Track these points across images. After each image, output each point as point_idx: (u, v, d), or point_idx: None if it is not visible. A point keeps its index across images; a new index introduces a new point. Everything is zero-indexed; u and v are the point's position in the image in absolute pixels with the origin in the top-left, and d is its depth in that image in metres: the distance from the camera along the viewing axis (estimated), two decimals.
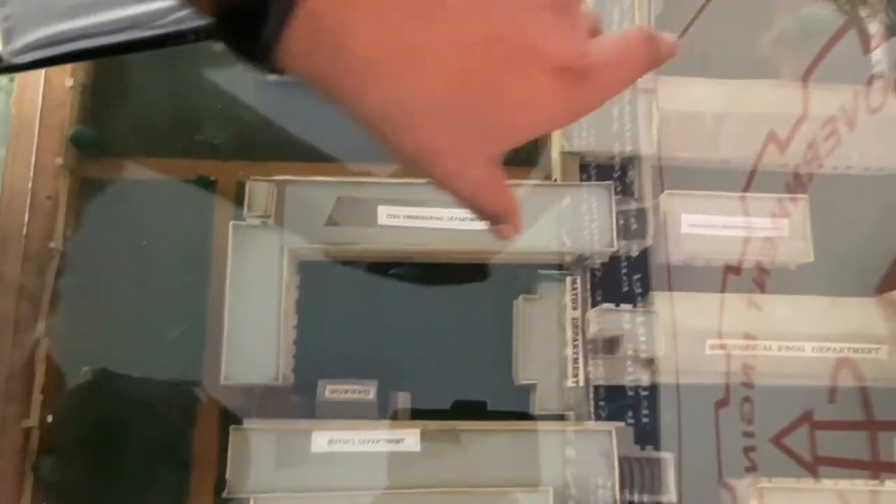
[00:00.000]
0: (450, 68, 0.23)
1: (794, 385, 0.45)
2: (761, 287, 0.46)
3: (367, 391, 0.43)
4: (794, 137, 0.47)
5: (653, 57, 0.30)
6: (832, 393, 0.45)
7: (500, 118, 0.24)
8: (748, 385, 0.45)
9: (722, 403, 0.45)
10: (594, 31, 0.28)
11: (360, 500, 0.38)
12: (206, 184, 0.47)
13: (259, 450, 0.38)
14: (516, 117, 0.25)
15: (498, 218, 0.30)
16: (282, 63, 0.21)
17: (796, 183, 0.48)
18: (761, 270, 0.46)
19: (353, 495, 0.38)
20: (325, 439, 0.38)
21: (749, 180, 0.48)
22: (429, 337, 0.46)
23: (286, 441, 0.38)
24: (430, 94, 0.23)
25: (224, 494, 0.38)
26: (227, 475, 0.38)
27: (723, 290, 0.46)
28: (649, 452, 0.42)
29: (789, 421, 0.45)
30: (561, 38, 0.25)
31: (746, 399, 0.45)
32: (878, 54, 0.52)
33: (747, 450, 0.45)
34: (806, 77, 0.49)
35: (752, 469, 0.44)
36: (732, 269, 0.47)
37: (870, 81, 0.51)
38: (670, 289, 0.46)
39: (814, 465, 0.45)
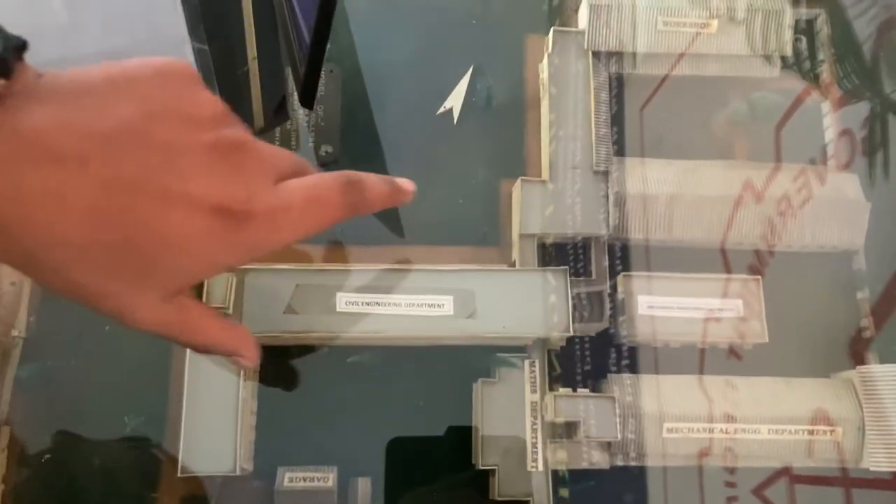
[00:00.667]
0: (75, 212, 0.23)
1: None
2: (720, 369, 0.46)
3: (326, 478, 0.43)
4: (745, 216, 0.48)
5: (352, 203, 0.31)
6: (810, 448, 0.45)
7: (148, 259, 0.25)
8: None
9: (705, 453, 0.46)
10: (287, 174, 0.29)
11: None
12: None
13: None
14: (167, 258, 0.25)
15: (218, 352, 0.31)
16: None
17: (751, 263, 0.49)
18: (719, 352, 0.47)
19: None
20: None
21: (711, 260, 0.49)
22: (389, 421, 0.46)
23: None
24: (61, 237, 0.23)
25: None
26: None
27: (683, 372, 0.47)
28: None
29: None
30: (215, 181, 0.25)
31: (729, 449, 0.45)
32: (829, 122, 0.53)
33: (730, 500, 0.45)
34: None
35: None
36: (691, 351, 0.48)
37: (823, 154, 0.53)
38: (630, 370, 0.46)
39: None
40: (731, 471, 0.45)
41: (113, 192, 0.23)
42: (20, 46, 0.23)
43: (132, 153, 0.24)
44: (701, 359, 0.47)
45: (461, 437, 0.45)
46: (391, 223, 0.50)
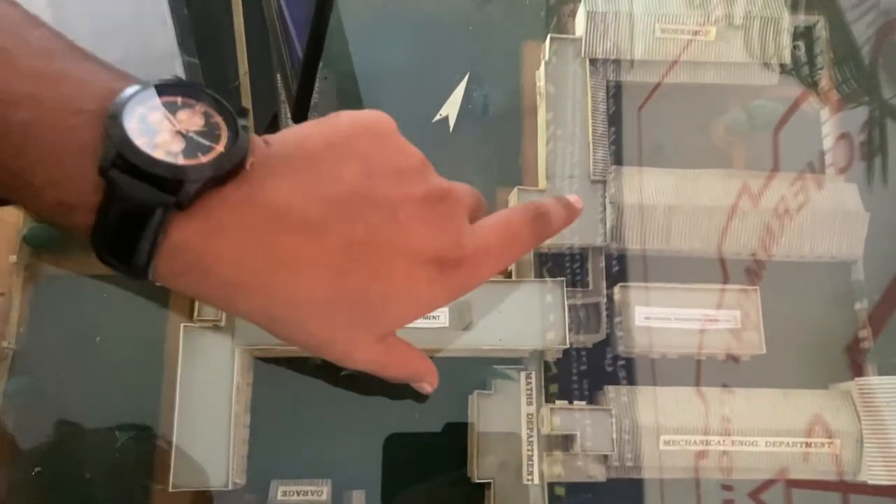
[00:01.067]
0: (321, 273, 0.25)
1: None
2: (718, 380, 0.46)
3: (320, 491, 0.43)
4: (742, 226, 0.48)
5: (539, 234, 0.33)
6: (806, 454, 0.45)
7: (377, 308, 0.27)
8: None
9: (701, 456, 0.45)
10: (476, 214, 0.30)
11: None
12: None
13: None
14: (393, 306, 0.27)
15: (411, 381, 0.33)
16: (155, 279, 0.23)
17: (749, 273, 0.49)
18: (716, 363, 0.47)
19: None
20: None
21: (714, 269, 0.48)
22: (383, 434, 0.45)
23: None
24: (306, 296, 0.25)
25: None
26: None
27: (680, 383, 0.46)
28: None
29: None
30: (431, 233, 0.27)
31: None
32: (828, 129, 0.53)
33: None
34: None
35: None
36: (689, 362, 0.47)
37: (822, 160, 0.53)
38: (627, 382, 0.46)
39: None
40: (728, 472, 0.45)
41: (350, 251, 0.25)
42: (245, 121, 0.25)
43: (362, 213, 0.26)
44: (698, 370, 0.46)
45: (457, 450, 0.45)
46: None
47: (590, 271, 0.47)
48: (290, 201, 0.24)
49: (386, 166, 0.27)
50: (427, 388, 0.34)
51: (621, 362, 0.47)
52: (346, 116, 0.27)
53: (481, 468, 0.43)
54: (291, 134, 0.26)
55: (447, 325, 0.44)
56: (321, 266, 0.25)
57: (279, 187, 0.24)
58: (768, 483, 0.45)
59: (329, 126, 0.27)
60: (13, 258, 0.46)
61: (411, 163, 0.28)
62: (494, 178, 0.50)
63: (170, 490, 0.40)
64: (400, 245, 0.26)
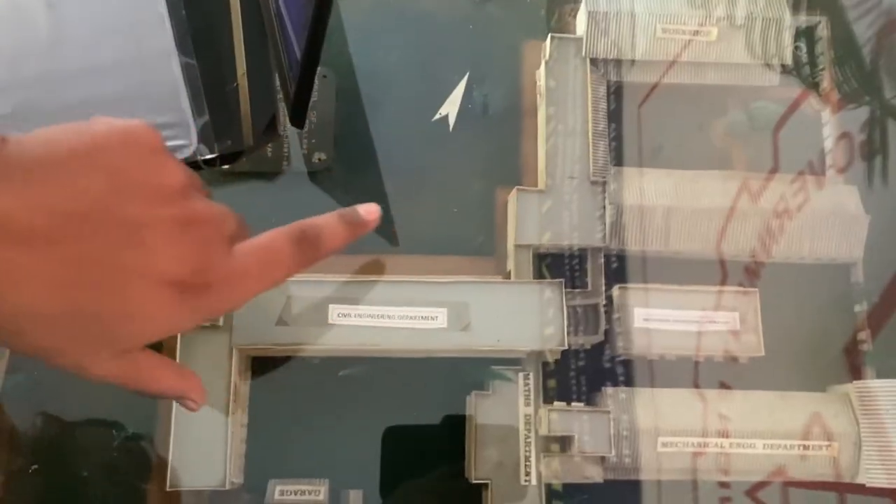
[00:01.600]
0: (42, 287, 0.24)
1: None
2: (716, 381, 0.46)
3: (317, 491, 0.43)
4: (742, 227, 0.48)
5: (306, 255, 0.33)
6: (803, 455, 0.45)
7: (109, 326, 0.26)
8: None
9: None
10: (238, 237, 0.30)
11: None
12: None
13: None
14: (128, 325, 0.27)
15: (170, 397, 0.34)
16: None
17: (747, 274, 0.49)
18: (715, 364, 0.47)
19: None
20: None
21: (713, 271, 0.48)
22: (381, 434, 0.45)
23: None
24: (26, 309, 0.25)
25: None
26: None
27: (678, 385, 0.46)
28: None
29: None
30: (177, 256, 0.27)
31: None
32: (829, 130, 0.53)
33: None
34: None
35: None
36: (687, 364, 0.47)
37: (822, 161, 0.52)
38: (625, 383, 0.46)
39: None
40: (726, 473, 0.45)
41: (78, 268, 0.25)
42: None
43: (98, 231, 0.25)
44: (696, 372, 0.46)
45: (454, 450, 0.45)
46: (384, 232, 0.49)
47: (589, 272, 0.47)
48: (10, 210, 0.23)
49: (138, 185, 0.26)
50: (192, 405, 0.34)
51: (619, 363, 0.47)
52: (103, 125, 0.26)
53: (479, 468, 0.43)
54: (39, 136, 0.25)
55: (445, 325, 0.44)
56: (42, 280, 0.24)
57: (2, 193, 0.23)
58: (765, 482, 0.45)
59: (79, 133, 0.26)
60: None
61: (169, 182, 0.27)
62: (494, 177, 0.50)
63: (167, 489, 0.40)
64: (139, 266, 0.26)
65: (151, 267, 0.26)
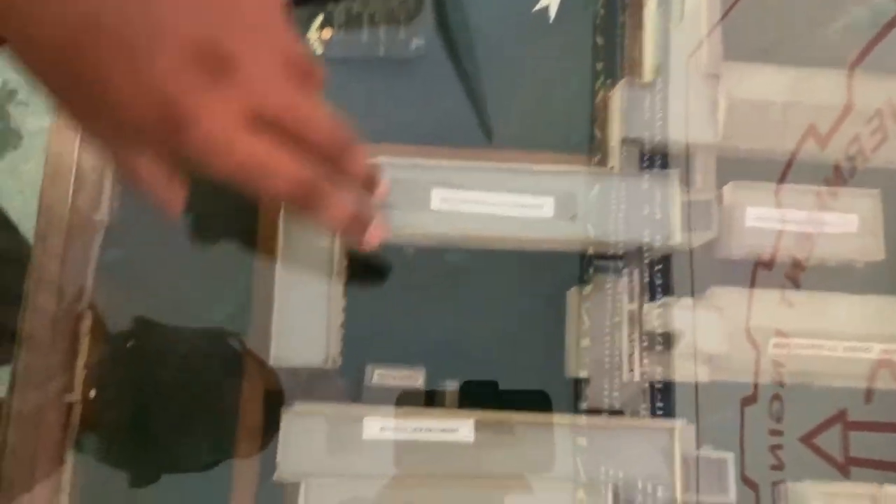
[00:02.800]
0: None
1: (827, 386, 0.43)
2: (830, 285, 0.44)
3: (415, 377, 0.42)
4: (861, 128, 0.45)
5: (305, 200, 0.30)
6: (868, 394, 0.43)
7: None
8: (786, 384, 0.43)
9: (750, 400, 0.44)
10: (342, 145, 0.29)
11: (410, 488, 0.37)
12: None
13: (310, 433, 0.37)
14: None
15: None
16: None
17: (866, 176, 0.46)
18: (829, 267, 0.45)
19: (405, 482, 0.37)
20: (377, 426, 0.37)
21: (835, 175, 0.46)
22: (479, 325, 0.44)
23: (338, 426, 0.37)
24: None
25: (274, 478, 0.37)
26: (278, 458, 0.37)
27: (780, 287, 0.44)
28: (708, 451, 0.41)
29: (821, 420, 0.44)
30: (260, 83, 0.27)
31: (776, 396, 0.44)
32: None
33: (774, 448, 0.44)
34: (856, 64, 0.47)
35: (778, 467, 0.43)
36: (788, 269, 0.45)
37: None
38: (728, 285, 0.44)
39: (845, 466, 0.43)
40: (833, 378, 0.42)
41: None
42: None
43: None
44: (809, 274, 0.44)
45: (553, 346, 0.43)
46: (480, 125, 0.47)
47: (700, 168, 0.45)
48: None
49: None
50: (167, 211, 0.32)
51: (728, 263, 0.45)
52: None
53: (579, 364, 0.42)
54: None
55: (552, 215, 0.42)
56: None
57: None
58: (823, 426, 0.44)
59: None
60: None
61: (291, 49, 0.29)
62: (595, 71, 0.48)
63: (270, 364, 0.39)
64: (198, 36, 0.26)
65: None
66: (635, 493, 0.37)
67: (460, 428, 0.38)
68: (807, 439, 0.44)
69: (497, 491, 0.37)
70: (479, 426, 0.38)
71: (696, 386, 0.43)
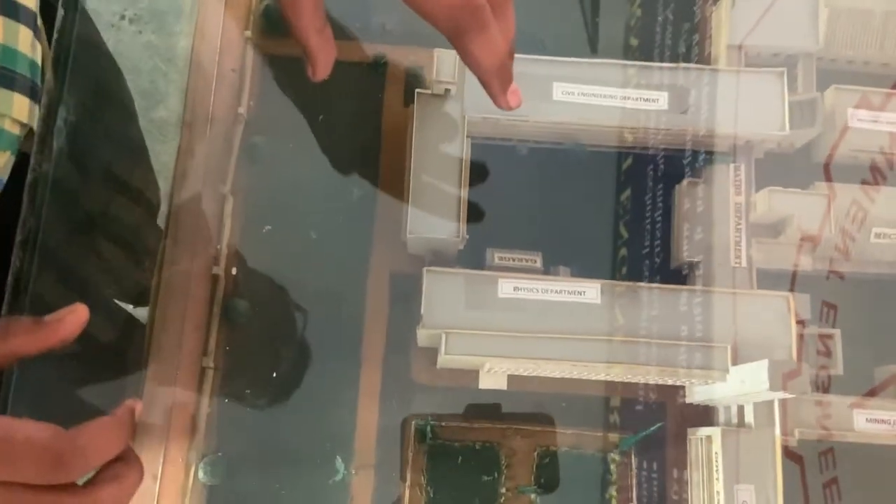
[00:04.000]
0: None
1: None
2: None
3: (534, 260, 0.45)
4: None
5: None
6: None
7: None
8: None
9: None
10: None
11: (541, 343, 0.40)
12: (378, 65, 0.49)
13: (451, 291, 0.40)
14: None
15: (304, 46, 0.34)
16: None
17: None
18: None
19: (536, 338, 0.40)
20: (511, 286, 0.40)
21: None
22: (590, 217, 0.47)
23: (475, 285, 0.40)
24: None
25: (418, 328, 0.40)
26: (422, 311, 0.40)
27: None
28: (815, 328, 0.43)
29: None
30: None
31: None
32: None
33: None
34: None
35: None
36: (884, 168, 0.47)
37: None
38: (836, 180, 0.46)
39: None
40: None
41: None
42: None
43: None
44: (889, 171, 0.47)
45: (664, 238, 0.46)
46: (586, 37, 0.50)
47: (801, 75, 0.48)
48: None
49: None
50: (314, 71, 0.34)
51: (829, 163, 0.47)
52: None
53: (689, 250, 0.45)
54: None
55: (666, 107, 0.45)
56: None
57: None
58: None
59: None
60: (247, 33, 0.48)
61: None
62: None
63: (407, 236, 0.42)
64: None
65: None
66: (756, 353, 0.40)
67: (587, 290, 0.40)
68: None
69: (621, 347, 0.40)
70: (604, 290, 0.41)
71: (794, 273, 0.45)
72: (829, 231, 0.43)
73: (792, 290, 0.45)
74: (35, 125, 0.43)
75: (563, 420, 0.45)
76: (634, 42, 0.51)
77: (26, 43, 0.41)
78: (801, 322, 0.42)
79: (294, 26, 0.33)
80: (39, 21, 0.44)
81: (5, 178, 0.42)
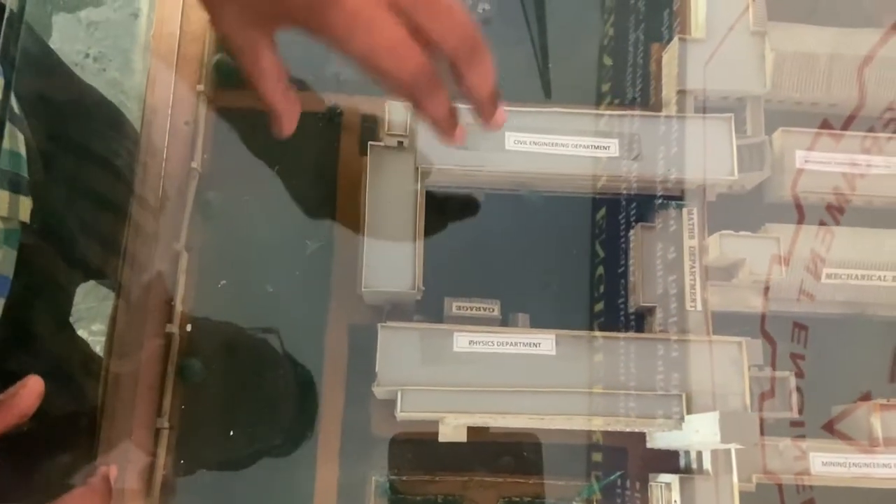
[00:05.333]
0: None
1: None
2: (879, 223, 0.47)
3: (492, 308, 0.45)
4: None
5: None
6: None
7: None
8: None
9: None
10: None
11: (498, 397, 0.39)
12: (334, 115, 0.49)
13: (406, 346, 0.40)
14: None
15: (268, 101, 0.34)
16: None
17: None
18: (877, 209, 0.47)
19: (493, 391, 0.39)
20: (466, 339, 0.40)
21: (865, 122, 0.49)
22: (547, 264, 0.47)
23: (430, 339, 0.40)
24: None
25: (373, 387, 0.40)
26: (377, 368, 0.39)
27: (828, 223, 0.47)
28: (769, 372, 0.43)
29: None
30: None
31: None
32: None
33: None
34: None
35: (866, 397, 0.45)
36: (836, 208, 0.48)
37: None
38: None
39: None
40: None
41: None
42: None
43: None
44: (858, 212, 0.47)
45: (618, 282, 0.46)
46: (542, 83, 0.51)
47: (749, 118, 0.48)
48: None
49: None
50: (281, 126, 0.35)
51: (781, 205, 0.48)
52: None
53: (645, 295, 0.45)
54: None
55: (617, 154, 0.45)
56: None
57: None
58: None
59: None
60: (200, 87, 0.48)
61: None
62: (649, 32, 0.51)
63: (362, 290, 0.42)
64: None
65: None
66: (709, 401, 0.40)
67: (542, 342, 0.40)
68: None
69: (576, 398, 0.39)
70: (559, 341, 0.41)
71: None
72: (779, 273, 0.44)
73: (763, 327, 0.46)
74: (27, 217, 0.42)
75: (526, 469, 0.45)
76: (587, 88, 0.52)
77: None
78: (755, 366, 0.42)
79: (258, 88, 0.34)
80: (16, 105, 0.44)
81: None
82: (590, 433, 0.44)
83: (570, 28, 0.52)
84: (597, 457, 0.45)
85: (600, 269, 0.48)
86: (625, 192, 0.47)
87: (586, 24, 0.53)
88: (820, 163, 0.47)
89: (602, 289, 0.47)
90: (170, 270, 0.46)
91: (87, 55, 1.27)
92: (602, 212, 0.48)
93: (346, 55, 0.31)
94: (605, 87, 0.51)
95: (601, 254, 0.48)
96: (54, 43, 1.28)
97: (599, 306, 0.47)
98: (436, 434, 0.42)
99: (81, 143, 0.56)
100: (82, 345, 0.54)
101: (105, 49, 1.27)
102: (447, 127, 0.35)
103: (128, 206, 0.47)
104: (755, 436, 0.35)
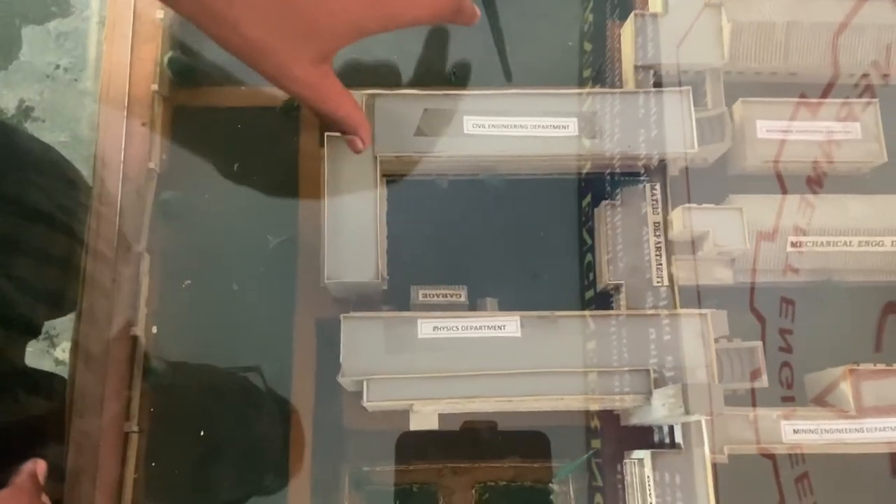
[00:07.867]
0: None
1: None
2: (839, 190, 0.47)
3: (458, 294, 0.45)
4: (860, 42, 0.48)
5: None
6: None
7: (310, 19, 0.31)
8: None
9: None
10: None
11: (465, 382, 0.39)
12: (291, 108, 0.49)
13: (370, 336, 0.39)
14: (325, 20, 0.31)
15: (345, 126, 0.38)
16: None
17: (867, 92, 0.49)
18: (837, 175, 0.47)
19: (460, 377, 0.39)
20: (430, 326, 0.40)
21: (826, 90, 0.49)
22: (511, 246, 0.47)
23: (394, 328, 0.40)
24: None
25: (338, 378, 0.39)
26: (341, 359, 0.39)
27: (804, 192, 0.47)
28: (738, 342, 0.43)
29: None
30: None
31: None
32: None
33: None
34: None
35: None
36: (803, 178, 0.48)
37: None
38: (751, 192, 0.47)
39: None
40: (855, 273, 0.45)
41: None
42: None
43: None
44: (819, 180, 0.47)
45: (583, 260, 0.46)
46: (503, 67, 0.51)
47: (709, 91, 0.48)
48: None
49: None
50: (359, 144, 0.38)
51: (743, 176, 0.48)
52: None
53: (611, 273, 0.45)
54: None
55: (576, 133, 0.45)
56: None
57: None
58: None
59: None
60: (154, 87, 0.48)
61: None
62: (605, 8, 0.51)
63: (324, 282, 0.42)
64: None
65: None
66: (676, 375, 0.40)
67: (507, 324, 0.40)
68: None
69: (542, 379, 0.39)
70: (524, 322, 0.40)
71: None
72: (744, 243, 0.44)
73: (752, 304, 0.46)
74: None
75: (500, 453, 0.45)
76: (544, 67, 0.51)
77: None
78: (723, 337, 0.42)
79: (337, 115, 0.37)
80: None
81: None
82: (563, 414, 0.44)
83: (530, 7, 0.52)
84: (572, 437, 0.45)
85: (569, 250, 0.47)
86: (588, 171, 0.47)
87: (544, 2, 0.52)
88: (781, 132, 0.47)
89: (571, 269, 0.47)
90: (132, 273, 0.45)
91: (59, 66, 1.27)
92: (567, 193, 0.48)
93: None
94: (565, 68, 0.51)
95: (569, 234, 0.47)
96: (25, 56, 1.27)
97: (569, 286, 0.47)
98: (408, 423, 0.42)
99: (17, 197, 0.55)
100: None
101: (76, 59, 1.26)
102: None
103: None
104: (720, 406, 0.35)
